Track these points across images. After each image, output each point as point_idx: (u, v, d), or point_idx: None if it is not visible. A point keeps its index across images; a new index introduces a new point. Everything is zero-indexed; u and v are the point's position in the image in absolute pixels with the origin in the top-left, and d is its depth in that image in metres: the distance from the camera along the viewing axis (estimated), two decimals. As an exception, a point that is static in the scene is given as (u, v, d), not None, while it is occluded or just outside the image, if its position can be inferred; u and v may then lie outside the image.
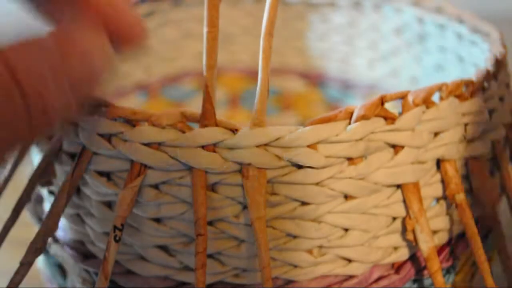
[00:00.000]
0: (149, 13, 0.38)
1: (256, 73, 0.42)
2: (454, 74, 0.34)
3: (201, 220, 0.20)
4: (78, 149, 0.22)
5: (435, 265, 0.21)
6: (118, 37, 0.19)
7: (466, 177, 0.23)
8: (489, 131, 0.24)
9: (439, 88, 0.22)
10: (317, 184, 0.21)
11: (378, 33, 0.38)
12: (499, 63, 0.25)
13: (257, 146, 0.20)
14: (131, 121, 0.21)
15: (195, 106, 0.44)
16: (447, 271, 0.24)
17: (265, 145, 0.20)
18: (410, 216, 0.22)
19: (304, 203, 0.21)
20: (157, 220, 0.21)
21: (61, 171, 0.23)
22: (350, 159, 0.21)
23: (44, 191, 0.25)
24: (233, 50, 0.41)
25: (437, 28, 0.34)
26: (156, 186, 0.21)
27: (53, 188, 0.24)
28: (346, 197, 0.21)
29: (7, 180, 0.26)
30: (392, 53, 0.38)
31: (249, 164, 0.20)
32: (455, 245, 0.24)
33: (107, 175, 0.22)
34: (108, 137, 0.21)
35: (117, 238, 0.21)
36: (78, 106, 0.18)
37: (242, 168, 0.20)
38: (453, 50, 0.33)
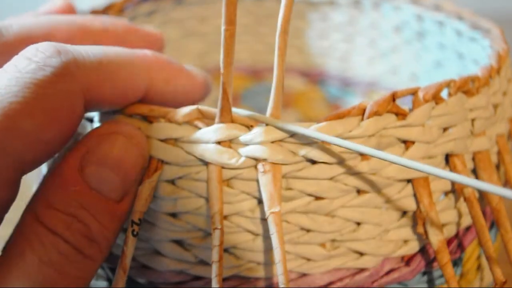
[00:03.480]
0: (150, 12, 0.38)
1: (256, 72, 0.43)
2: (453, 70, 0.34)
3: (218, 214, 0.20)
4: None
5: (445, 258, 0.22)
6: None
7: (473, 171, 0.24)
8: (494, 125, 0.25)
9: (448, 84, 0.23)
10: (331, 179, 0.21)
11: (377, 31, 0.39)
12: (502, 59, 0.26)
13: (272, 142, 0.20)
14: (148, 118, 0.21)
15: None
16: (455, 263, 0.24)
17: (280, 140, 0.20)
18: (420, 209, 0.22)
19: (318, 198, 0.21)
20: (173, 215, 0.22)
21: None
22: (363, 155, 0.21)
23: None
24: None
25: (436, 25, 0.35)
26: (172, 181, 0.21)
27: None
28: (359, 191, 0.22)
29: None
30: (391, 50, 0.39)
31: (264, 160, 0.20)
32: (462, 237, 0.24)
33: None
34: None
35: (135, 232, 0.21)
36: None
37: (258, 163, 0.20)
38: (453, 47, 0.34)
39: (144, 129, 0.21)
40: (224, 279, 0.22)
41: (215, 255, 0.20)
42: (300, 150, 0.20)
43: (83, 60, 0.20)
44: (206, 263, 0.22)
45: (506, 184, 0.26)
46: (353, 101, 0.42)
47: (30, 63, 0.19)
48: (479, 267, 0.26)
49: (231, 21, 0.19)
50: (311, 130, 0.20)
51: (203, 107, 0.21)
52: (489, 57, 0.26)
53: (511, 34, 0.31)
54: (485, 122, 0.24)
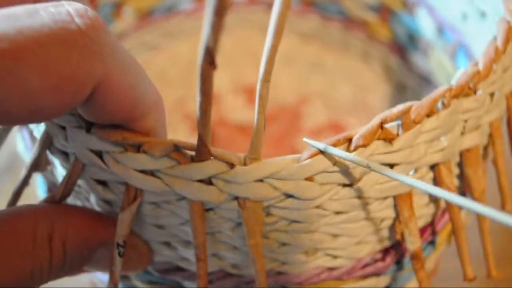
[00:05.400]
0: None
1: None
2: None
3: (201, 246, 0.21)
4: (69, 151, 0.22)
5: (419, 263, 0.23)
6: None
7: (458, 165, 0.24)
8: (488, 114, 0.24)
9: (443, 95, 0.21)
10: (312, 208, 0.21)
11: None
12: (510, 32, 0.24)
13: (254, 181, 0.20)
14: (121, 144, 0.21)
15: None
16: (428, 244, 0.25)
17: (262, 179, 0.20)
18: (400, 220, 0.22)
19: (297, 222, 0.21)
20: (158, 226, 0.22)
21: (55, 160, 0.23)
22: (344, 184, 0.21)
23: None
24: None
25: None
26: (153, 203, 0.21)
27: (46, 175, 0.24)
28: (338, 213, 0.22)
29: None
30: None
31: (245, 198, 0.20)
32: (436, 222, 0.25)
33: (103, 183, 0.22)
34: (99, 154, 0.21)
35: (121, 254, 0.22)
36: None
37: (239, 199, 0.20)
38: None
39: (119, 155, 0.20)
40: (210, 273, 0.24)
41: (199, 282, 0.21)
42: (281, 187, 0.20)
43: None
44: (189, 260, 0.23)
45: (493, 163, 0.25)
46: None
47: None
48: (448, 237, 0.27)
49: (206, 93, 0.17)
50: (293, 168, 0.20)
51: (180, 141, 0.20)
52: (495, 36, 0.24)
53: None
54: (478, 118, 0.23)
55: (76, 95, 0.18)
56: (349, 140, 0.20)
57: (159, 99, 0.21)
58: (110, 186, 0.22)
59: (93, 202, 0.23)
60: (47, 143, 0.23)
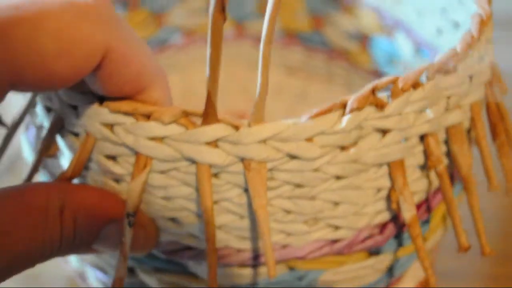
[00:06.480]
0: None
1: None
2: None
3: (209, 210, 0.22)
4: (80, 130, 0.23)
5: (416, 231, 0.24)
6: None
7: (445, 143, 0.25)
8: (468, 96, 0.26)
9: (426, 68, 0.23)
10: (312, 171, 0.22)
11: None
12: (484, 24, 0.26)
13: (258, 142, 0.21)
14: (133, 116, 0.22)
15: (176, 15, 0.43)
16: (423, 223, 0.27)
17: (265, 140, 0.21)
18: (395, 189, 0.24)
19: (300, 186, 0.23)
20: (165, 199, 0.23)
21: (65, 146, 0.24)
22: (342, 147, 0.22)
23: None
24: None
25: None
26: (162, 172, 0.22)
27: (55, 161, 0.25)
28: (338, 177, 0.23)
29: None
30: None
31: (250, 159, 0.21)
32: (430, 200, 0.26)
33: (113, 158, 0.23)
34: (110, 127, 0.22)
35: (131, 223, 0.22)
36: None
37: (244, 161, 0.22)
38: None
39: (130, 126, 0.22)
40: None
41: (209, 245, 0.22)
42: (283, 148, 0.21)
43: None
44: (196, 236, 0.24)
45: (476, 145, 0.27)
46: (337, 15, 0.42)
47: None
48: (443, 220, 0.28)
49: (216, 43, 0.19)
50: (294, 129, 0.21)
51: (188, 108, 0.22)
52: (472, 22, 0.26)
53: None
54: (460, 97, 0.25)
55: (86, 61, 0.20)
56: (344, 106, 0.22)
57: (163, 72, 0.22)
58: (120, 160, 0.23)
59: (101, 184, 0.24)
60: (58, 126, 0.24)
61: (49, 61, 0.19)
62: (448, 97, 0.24)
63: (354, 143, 0.22)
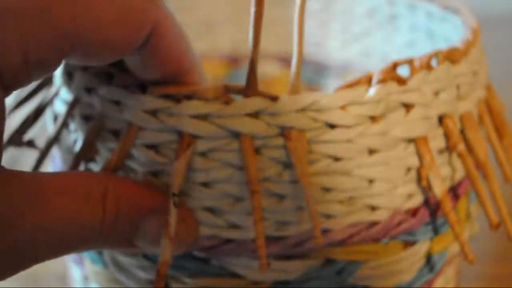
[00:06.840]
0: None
1: (236, 60, 0.45)
2: (425, 49, 0.37)
3: (254, 179, 0.23)
4: (122, 126, 0.24)
5: (448, 205, 0.25)
6: None
7: (461, 132, 0.27)
8: (475, 91, 0.28)
9: (436, 54, 0.26)
10: (347, 141, 0.24)
11: (350, 16, 0.42)
12: (476, 33, 0.29)
13: (296, 111, 0.23)
14: (175, 97, 0.23)
15: None
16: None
17: (303, 109, 0.23)
18: (423, 165, 0.25)
19: (336, 159, 0.24)
20: (205, 184, 0.24)
21: (104, 148, 0.25)
22: (373, 118, 0.24)
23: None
24: (214, 38, 0.44)
25: (408, 8, 0.38)
26: (204, 154, 0.23)
27: (94, 165, 0.26)
28: (371, 151, 0.24)
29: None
30: (364, 34, 0.42)
31: (290, 128, 0.23)
32: (456, 188, 0.27)
33: (154, 147, 0.24)
34: (154, 113, 0.23)
35: (176, 203, 0.23)
36: None
37: (284, 132, 0.23)
38: (424, 28, 0.37)
39: (173, 108, 0.23)
40: (253, 240, 0.24)
41: (255, 216, 0.22)
42: (320, 116, 0.23)
43: None
44: (237, 227, 0.24)
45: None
46: (328, 83, 0.45)
47: None
48: (468, 218, 0.29)
49: (259, 2, 0.21)
50: (329, 98, 0.23)
51: (229, 83, 0.23)
52: (464, 32, 0.29)
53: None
54: (468, 87, 0.27)
55: (137, 30, 0.21)
56: (369, 80, 0.24)
57: (199, 59, 0.24)
58: (161, 149, 0.24)
59: (141, 177, 0.24)
60: (97, 130, 0.25)
61: (104, 26, 0.21)
62: (458, 85, 0.27)
63: (383, 116, 0.24)
